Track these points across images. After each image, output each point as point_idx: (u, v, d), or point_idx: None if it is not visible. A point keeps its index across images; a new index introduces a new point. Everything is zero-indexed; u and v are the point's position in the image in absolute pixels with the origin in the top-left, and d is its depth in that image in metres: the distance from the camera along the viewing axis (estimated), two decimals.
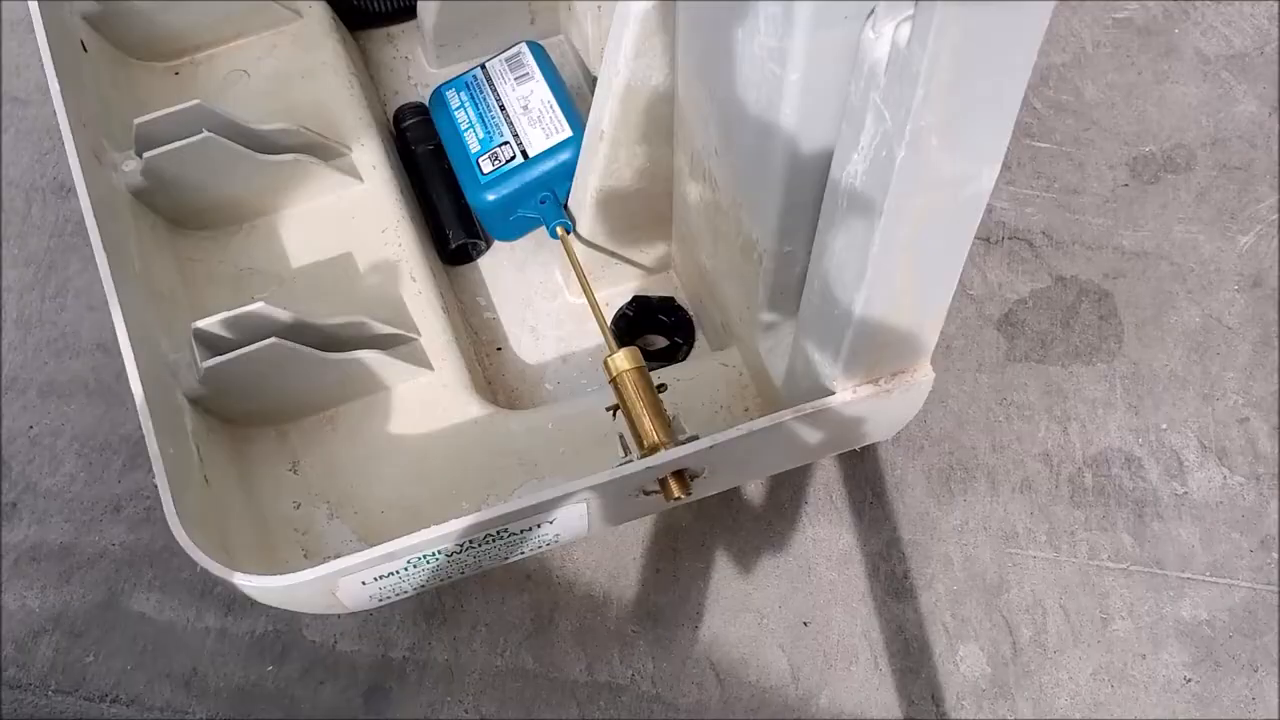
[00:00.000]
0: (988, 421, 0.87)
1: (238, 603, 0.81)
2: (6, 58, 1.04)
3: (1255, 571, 0.82)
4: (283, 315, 0.68)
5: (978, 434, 0.86)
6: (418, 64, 0.95)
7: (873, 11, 0.43)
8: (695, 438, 0.60)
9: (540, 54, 0.83)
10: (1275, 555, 0.82)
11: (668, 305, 0.84)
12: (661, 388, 0.64)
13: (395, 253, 0.79)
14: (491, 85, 0.83)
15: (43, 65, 0.71)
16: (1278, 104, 1.01)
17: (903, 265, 0.50)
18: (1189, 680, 0.78)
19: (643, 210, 0.76)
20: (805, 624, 0.80)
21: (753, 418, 0.61)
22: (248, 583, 0.57)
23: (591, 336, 0.82)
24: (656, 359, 0.81)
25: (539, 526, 0.62)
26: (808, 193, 0.55)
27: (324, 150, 0.80)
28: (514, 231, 0.83)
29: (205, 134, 0.73)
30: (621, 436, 0.63)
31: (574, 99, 0.81)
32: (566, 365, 0.82)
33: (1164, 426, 0.87)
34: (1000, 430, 0.87)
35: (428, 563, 0.61)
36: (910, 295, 0.53)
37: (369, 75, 0.93)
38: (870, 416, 0.64)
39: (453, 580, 0.67)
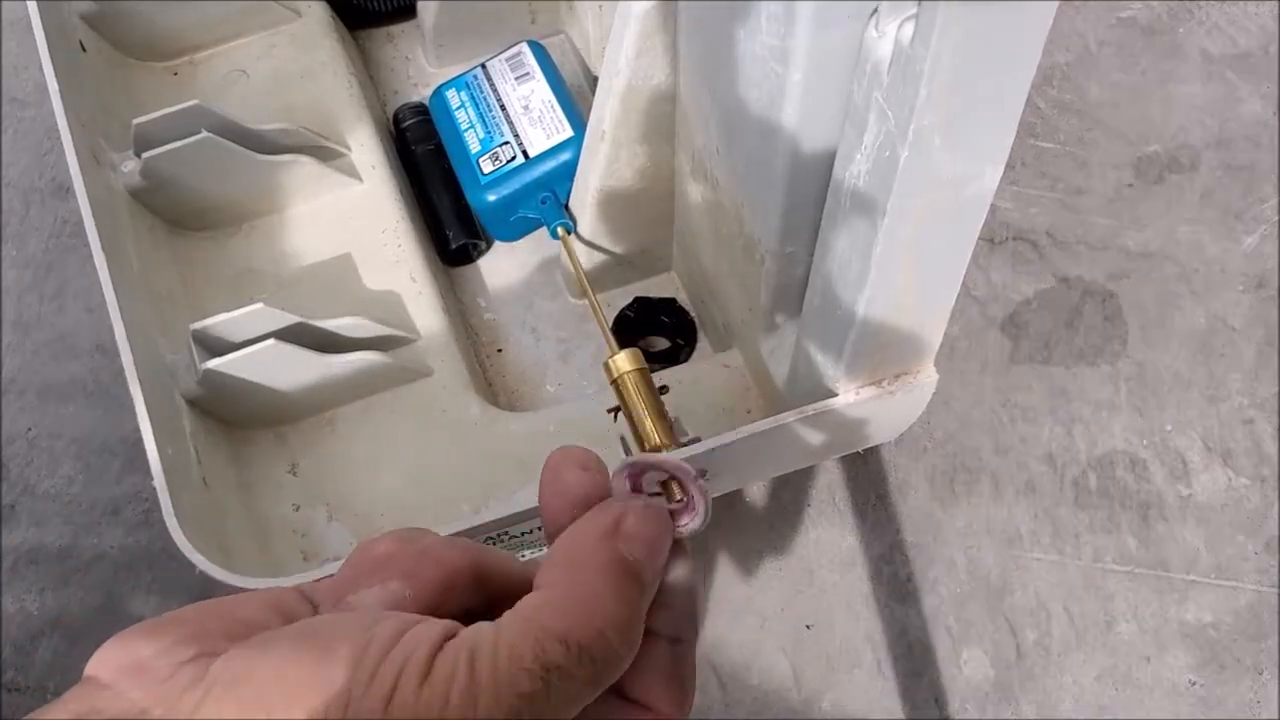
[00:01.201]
0: (991, 423, 0.86)
1: None
2: (5, 58, 1.04)
3: (1260, 574, 0.81)
4: (282, 317, 0.68)
5: (981, 436, 0.86)
6: (418, 64, 0.94)
7: (875, 10, 0.43)
8: (697, 440, 0.59)
9: (541, 53, 0.83)
10: (1279, 558, 0.82)
11: (669, 306, 0.83)
12: (664, 389, 0.63)
13: (395, 253, 0.79)
14: (492, 85, 0.82)
15: (41, 66, 0.71)
16: None
17: (906, 265, 0.50)
18: (1194, 683, 0.78)
19: (644, 210, 0.76)
20: (808, 627, 0.79)
21: (755, 420, 0.61)
22: (246, 585, 0.56)
23: (592, 337, 0.82)
24: (658, 360, 0.81)
25: (540, 529, 0.61)
26: (810, 193, 0.54)
27: (323, 150, 0.80)
28: (514, 232, 0.83)
29: (204, 134, 0.72)
30: (623, 439, 0.63)
31: (575, 98, 0.81)
32: (567, 366, 0.81)
33: (1169, 428, 0.86)
34: (1004, 432, 0.86)
35: None
36: (913, 296, 0.53)
37: (368, 75, 0.93)
38: (873, 418, 0.63)
39: None
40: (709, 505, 0.28)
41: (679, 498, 0.29)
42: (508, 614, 0.24)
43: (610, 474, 0.28)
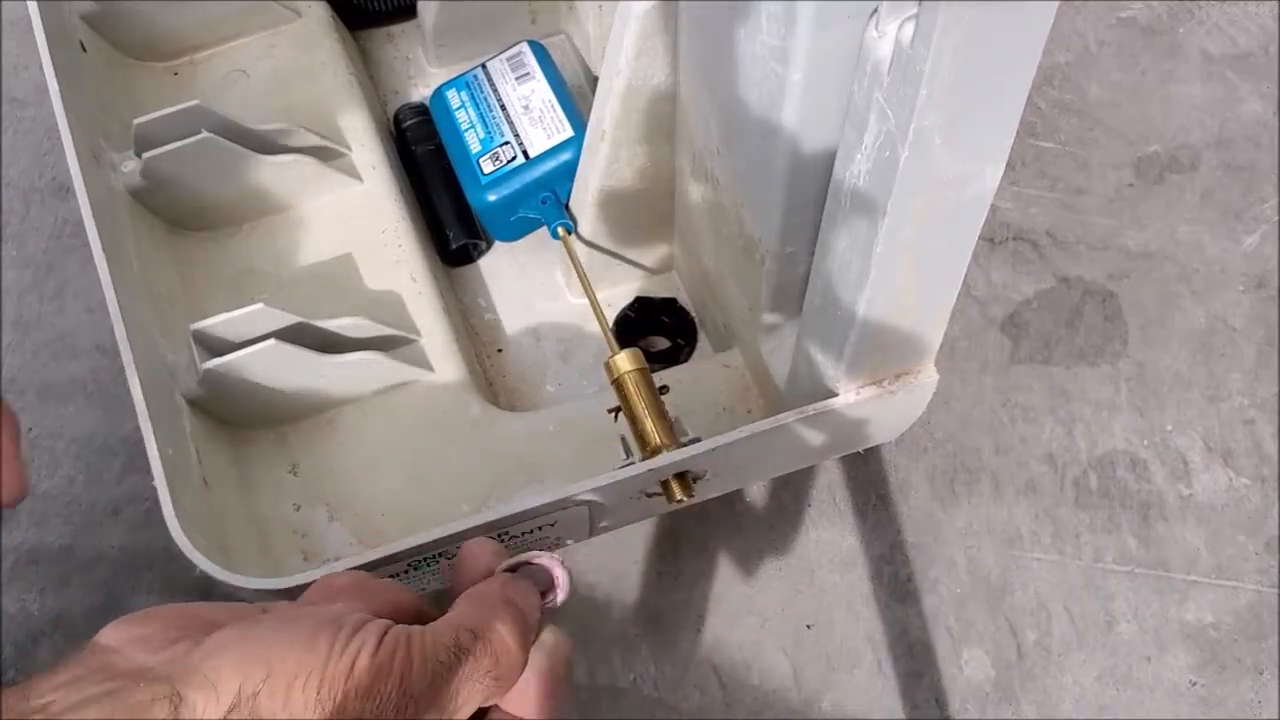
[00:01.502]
0: (992, 423, 0.86)
1: None
2: (6, 58, 1.04)
3: (1261, 574, 0.81)
4: (282, 317, 0.68)
5: (982, 436, 0.86)
6: (418, 64, 0.94)
7: (876, 10, 0.43)
8: (697, 439, 0.59)
9: (541, 53, 0.83)
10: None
11: (670, 306, 0.83)
12: (664, 390, 0.63)
13: (395, 253, 0.79)
14: (492, 85, 0.82)
15: (42, 66, 0.71)
16: None
17: (906, 265, 0.50)
18: (1194, 684, 0.78)
19: (644, 211, 0.76)
20: (808, 627, 0.79)
21: (755, 419, 0.61)
22: (247, 585, 0.56)
23: (593, 338, 0.82)
24: (658, 360, 0.81)
25: (540, 529, 0.61)
26: (810, 193, 0.54)
27: (323, 150, 0.80)
28: (515, 232, 0.83)
29: (204, 134, 0.72)
30: (623, 438, 0.63)
31: (575, 98, 0.81)
32: (568, 367, 0.81)
33: (1169, 428, 0.86)
34: (1004, 432, 0.86)
35: (428, 565, 0.60)
36: (914, 296, 0.53)
37: (369, 75, 0.93)
38: (873, 418, 0.63)
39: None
40: (571, 583, 0.40)
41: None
42: (442, 624, 0.34)
43: (498, 568, 0.39)
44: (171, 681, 0.31)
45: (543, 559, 0.39)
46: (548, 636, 0.38)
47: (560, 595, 0.39)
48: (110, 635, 0.34)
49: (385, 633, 0.32)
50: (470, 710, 0.34)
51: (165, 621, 0.34)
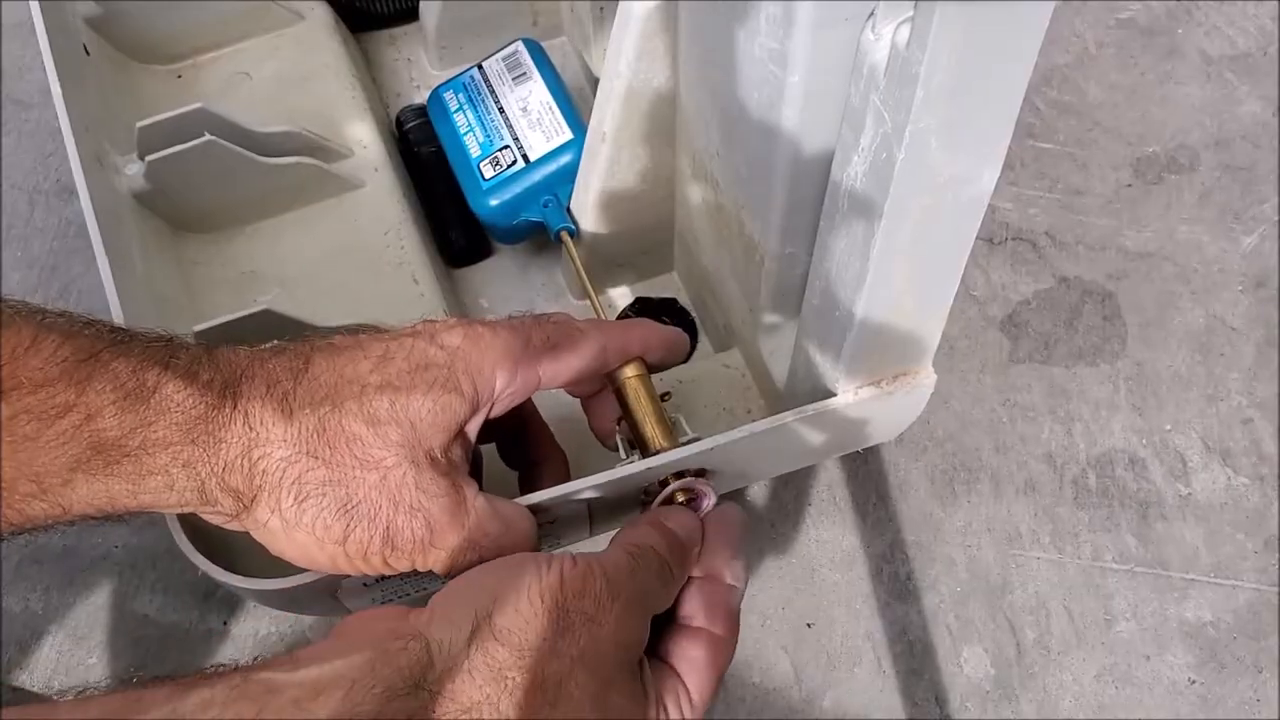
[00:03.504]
0: (991, 423, 0.87)
1: (241, 605, 0.81)
2: (8, 60, 1.04)
3: (1259, 573, 0.81)
4: (285, 319, 0.68)
5: (981, 435, 0.86)
6: (420, 66, 0.95)
7: (873, 13, 0.43)
8: (697, 439, 0.59)
9: (537, 52, 0.83)
10: (1279, 556, 0.82)
11: (670, 306, 0.83)
12: (666, 396, 0.63)
13: (398, 255, 0.79)
14: (490, 86, 0.82)
15: (45, 68, 0.71)
16: None
17: (903, 267, 0.50)
18: (1193, 682, 0.78)
19: (645, 212, 0.76)
20: (809, 625, 0.80)
21: (755, 419, 0.61)
22: (250, 586, 0.57)
23: None
24: None
25: (540, 528, 0.62)
26: (809, 194, 0.55)
27: (326, 153, 0.80)
28: (517, 235, 0.83)
29: (207, 137, 0.73)
30: (619, 440, 0.63)
31: (573, 98, 0.81)
32: None
33: (1168, 427, 0.87)
34: (1004, 431, 0.86)
35: None
36: (911, 297, 0.53)
37: (371, 77, 0.93)
38: (873, 418, 0.64)
39: None
40: (715, 492, 0.55)
41: (694, 495, 0.56)
42: (610, 546, 0.47)
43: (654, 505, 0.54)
44: (416, 631, 0.38)
45: (685, 482, 0.54)
46: (724, 506, 0.53)
47: (709, 502, 0.54)
48: (349, 621, 0.42)
49: (575, 556, 0.42)
50: (660, 597, 0.46)
51: (386, 610, 0.42)
